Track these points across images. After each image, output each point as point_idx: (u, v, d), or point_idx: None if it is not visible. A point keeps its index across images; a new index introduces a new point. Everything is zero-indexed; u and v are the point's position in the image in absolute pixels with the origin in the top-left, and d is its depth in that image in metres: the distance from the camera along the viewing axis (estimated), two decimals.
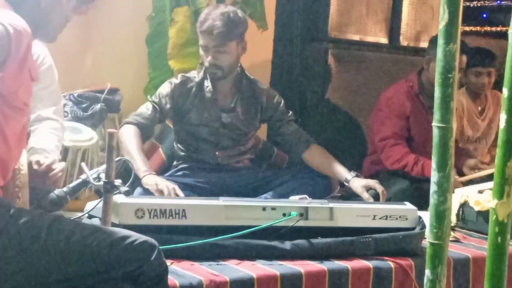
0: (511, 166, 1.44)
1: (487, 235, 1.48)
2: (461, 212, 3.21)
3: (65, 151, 3.00)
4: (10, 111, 1.88)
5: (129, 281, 1.86)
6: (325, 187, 3.17)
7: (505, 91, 1.43)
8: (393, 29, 4.84)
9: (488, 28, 11.22)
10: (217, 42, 3.07)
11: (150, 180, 2.77)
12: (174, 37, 3.65)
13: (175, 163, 3.31)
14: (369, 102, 4.51)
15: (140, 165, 2.87)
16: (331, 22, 4.55)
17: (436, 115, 1.48)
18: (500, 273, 1.53)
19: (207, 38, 3.08)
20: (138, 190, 2.85)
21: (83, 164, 2.30)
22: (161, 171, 3.36)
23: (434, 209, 1.54)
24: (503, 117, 1.44)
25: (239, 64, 3.25)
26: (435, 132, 1.49)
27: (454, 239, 2.95)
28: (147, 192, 2.79)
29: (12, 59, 1.83)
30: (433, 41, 3.62)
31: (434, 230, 1.55)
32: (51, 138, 2.60)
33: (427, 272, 1.56)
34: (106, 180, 2.16)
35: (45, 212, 1.97)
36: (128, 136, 3.00)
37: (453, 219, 3.18)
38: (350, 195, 3.19)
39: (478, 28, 11.08)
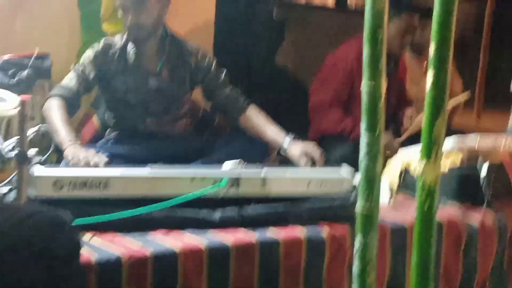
0: (439, 125, 1.38)
1: None
2: (401, 179, 3.13)
3: None
4: None
5: (37, 260, 1.74)
6: (262, 151, 3.05)
7: (432, 46, 1.36)
8: None
9: None
10: (135, 0, 2.94)
11: (70, 151, 2.63)
12: None
13: (107, 132, 3.19)
14: (315, 65, 4.41)
15: (63, 136, 2.73)
16: None
17: (365, 73, 1.42)
18: (428, 240, 1.47)
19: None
20: (63, 162, 2.72)
21: None
22: (94, 140, 3.24)
23: (364, 174, 1.47)
24: (430, 73, 1.37)
25: (162, 24, 3.10)
26: (364, 91, 1.42)
27: (394, 206, 2.89)
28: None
29: None
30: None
31: (364, 195, 1.48)
32: None
33: (357, 240, 1.50)
34: (18, 150, 2.05)
35: None
36: (52, 110, 2.86)
37: (395, 185, 3.11)
38: (289, 159, 3.09)
39: None
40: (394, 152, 3.35)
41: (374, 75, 1.43)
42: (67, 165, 2.66)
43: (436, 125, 1.37)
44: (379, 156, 1.45)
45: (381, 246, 2.52)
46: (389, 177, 3.12)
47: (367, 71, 1.41)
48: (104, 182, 2.24)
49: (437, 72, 1.36)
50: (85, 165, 2.52)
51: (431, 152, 1.40)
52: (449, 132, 3.75)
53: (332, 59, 3.72)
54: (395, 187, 3.09)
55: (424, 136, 1.38)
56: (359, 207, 1.46)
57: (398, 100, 3.83)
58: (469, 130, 3.71)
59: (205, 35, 4.20)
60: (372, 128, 1.44)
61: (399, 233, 2.59)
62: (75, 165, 2.55)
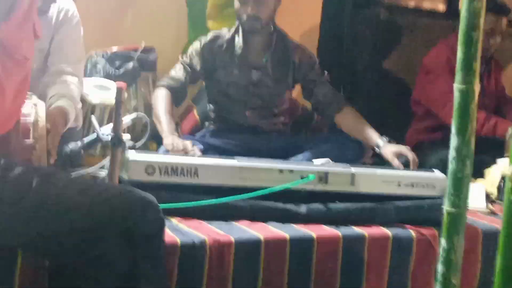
0: None
1: None
2: (502, 184, 3.04)
3: (92, 108, 3.00)
4: (10, 63, 1.84)
5: (123, 238, 1.81)
6: (357, 152, 3.05)
7: None
8: None
9: None
10: None
11: (169, 140, 2.73)
12: None
13: (206, 124, 3.27)
14: None
15: (164, 126, 2.84)
16: None
17: (458, 76, 1.41)
18: None
19: None
20: (162, 149, 2.82)
21: (92, 117, 2.28)
22: (194, 132, 3.33)
23: (452, 176, 1.46)
24: None
25: (273, 19, 3.15)
26: (456, 94, 1.42)
27: (489, 211, 2.82)
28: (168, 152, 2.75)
29: (18, 8, 1.81)
30: None
31: (452, 198, 1.47)
32: (73, 88, 2.59)
33: (443, 241, 1.48)
34: (113, 134, 2.14)
35: (39, 166, 1.94)
36: (158, 100, 2.99)
37: (495, 191, 3.03)
38: (384, 162, 3.07)
39: None
40: None
41: (468, 78, 1.41)
42: (164, 153, 2.75)
43: None
44: (468, 159, 1.43)
45: (472, 250, 2.47)
46: (488, 183, 3.04)
47: (460, 74, 1.39)
48: (194, 170, 2.30)
49: None
50: (183, 154, 2.61)
51: None
52: None
53: (428, 61, 3.68)
54: (494, 193, 3.01)
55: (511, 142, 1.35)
56: (445, 209, 1.44)
57: (499, 102, 3.74)
58: None
59: (310, 37, 4.22)
60: (462, 131, 1.43)
61: (493, 238, 2.51)
62: (174, 153, 2.64)
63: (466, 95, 1.41)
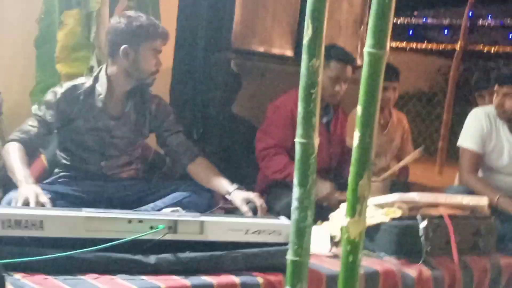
0: (363, 185, 1.43)
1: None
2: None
3: None
4: None
5: None
6: (209, 200, 3.09)
7: (359, 108, 1.41)
8: (299, 42, 4.81)
9: (414, 45, 11.50)
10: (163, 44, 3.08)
11: (22, 190, 2.65)
12: (63, 40, 3.52)
13: (56, 170, 3.18)
14: None
15: (19, 176, 2.77)
16: (235, 32, 4.50)
17: (299, 130, 1.46)
18: None
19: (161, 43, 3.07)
20: (6, 199, 2.73)
21: None
22: (41, 179, 3.23)
23: (295, 226, 1.51)
24: (356, 134, 1.42)
25: None
26: (297, 148, 1.47)
27: (333, 255, 2.92)
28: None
29: None
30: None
31: (295, 247, 1.52)
32: None
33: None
34: None
35: None
36: (9, 153, 2.91)
37: (338, 235, 3.14)
38: (234, 210, 3.12)
39: (404, 44, 11.37)
40: (334, 204, 3.38)
41: (307, 132, 1.47)
42: (7, 203, 2.67)
43: (360, 185, 1.41)
44: (309, 209, 1.48)
45: None
46: (332, 228, 3.16)
47: (300, 128, 1.45)
48: (38, 222, 2.24)
49: (363, 135, 1.40)
50: (24, 204, 2.54)
51: (356, 210, 1.43)
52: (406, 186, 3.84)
53: (272, 108, 3.79)
54: (338, 236, 3.13)
55: (349, 194, 1.42)
56: (289, 257, 1.49)
57: (342, 151, 3.89)
58: (429, 185, 3.73)
59: (161, 81, 4.24)
60: (303, 183, 1.48)
61: (335, 281, 2.60)
62: (21, 203, 2.56)
63: (306, 148, 1.47)
